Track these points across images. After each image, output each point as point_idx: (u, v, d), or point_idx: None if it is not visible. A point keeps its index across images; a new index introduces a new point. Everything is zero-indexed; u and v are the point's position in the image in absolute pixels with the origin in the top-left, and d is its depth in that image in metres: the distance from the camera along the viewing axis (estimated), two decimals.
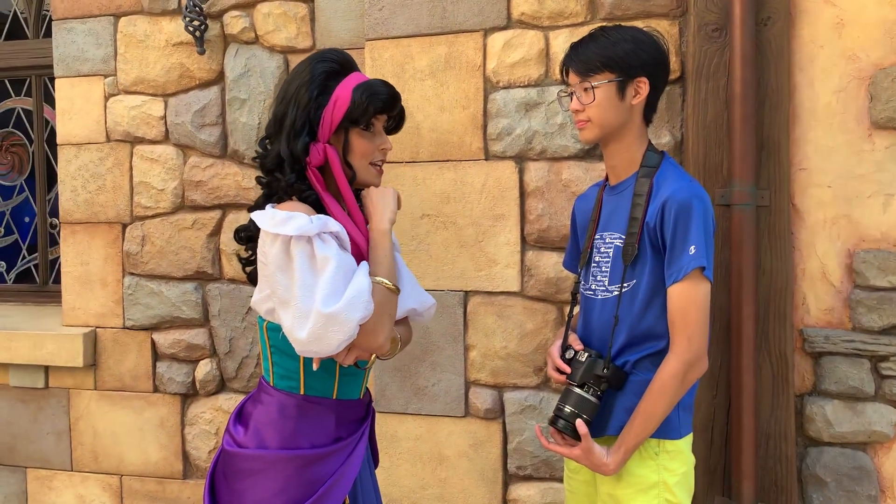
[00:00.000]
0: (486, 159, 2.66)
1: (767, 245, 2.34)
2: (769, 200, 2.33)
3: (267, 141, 1.64)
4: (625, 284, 1.74)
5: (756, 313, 2.32)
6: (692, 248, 1.63)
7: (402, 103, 1.70)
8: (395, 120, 1.69)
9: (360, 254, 1.57)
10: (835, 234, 2.34)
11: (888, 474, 2.31)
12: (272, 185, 1.60)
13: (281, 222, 1.46)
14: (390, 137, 1.70)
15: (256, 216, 1.52)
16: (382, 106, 1.60)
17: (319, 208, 1.56)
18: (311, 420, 1.58)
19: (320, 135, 1.58)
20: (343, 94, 1.57)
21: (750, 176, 2.30)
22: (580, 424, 1.69)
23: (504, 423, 2.67)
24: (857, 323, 2.31)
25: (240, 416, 1.67)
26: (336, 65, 1.60)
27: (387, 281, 1.52)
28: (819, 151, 2.34)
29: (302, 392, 1.59)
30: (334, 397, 1.61)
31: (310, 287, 1.42)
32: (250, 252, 1.65)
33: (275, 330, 1.58)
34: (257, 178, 1.65)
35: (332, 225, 1.50)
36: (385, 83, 1.62)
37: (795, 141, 2.35)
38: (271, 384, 1.62)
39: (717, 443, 2.40)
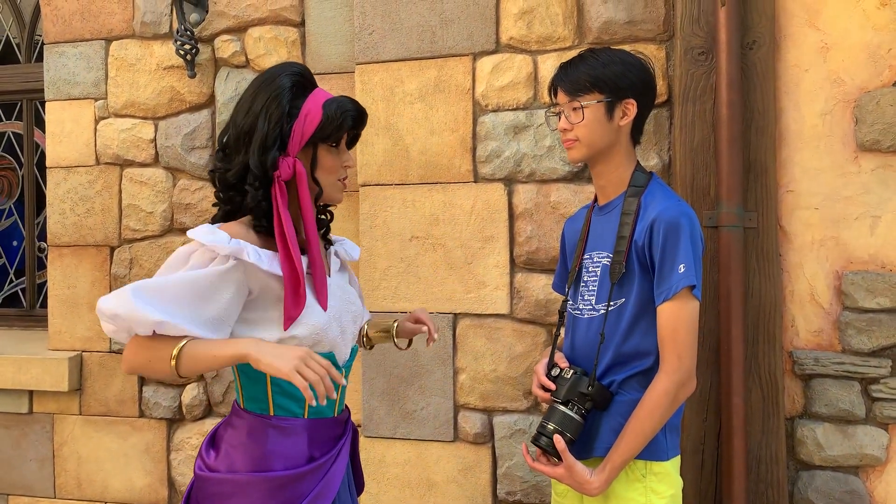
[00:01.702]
0: (475, 181, 2.66)
1: (755, 267, 2.34)
2: (757, 222, 2.33)
3: (222, 155, 1.59)
4: (612, 303, 1.73)
5: (745, 335, 2.31)
6: (681, 266, 1.63)
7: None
8: (355, 137, 1.70)
9: (294, 278, 1.50)
10: (823, 256, 2.34)
11: (881, 498, 2.29)
12: (234, 201, 1.57)
13: (205, 233, 1.47)
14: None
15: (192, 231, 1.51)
16: (353, 123, 1.59)
17: (270, 231, 1.53)
18: (282, 441, 1.55)
19: (290, 149, 1.55)
20: (314, 108, 1.55)
21: (737, 198, 2.31)
22: (557, 440, 1.67)
23: (493, 448, 2.65)
24: (847, 345, 2.30)
25: (212, 440, 1.64)
26: (302, 78, 1.58)
27: (173, 362, 1.41)
28: (806, 173, 2.35)
29: (271, 413, 1.56)
30: (305, 416, 1.58)
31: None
32: None
33: None
34: (216, 194, 1.61)
35: (250, 255, 1.46)
36: (352, 99, 1.61)
37: (782, 163, 2.37)
38: (242, 406, 1.59)
39: (708, 466, 2.37)
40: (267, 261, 1.49)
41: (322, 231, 1.73)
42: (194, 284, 1.43)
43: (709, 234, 2.34)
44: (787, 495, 2.32)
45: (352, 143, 1.71)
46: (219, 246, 1.45)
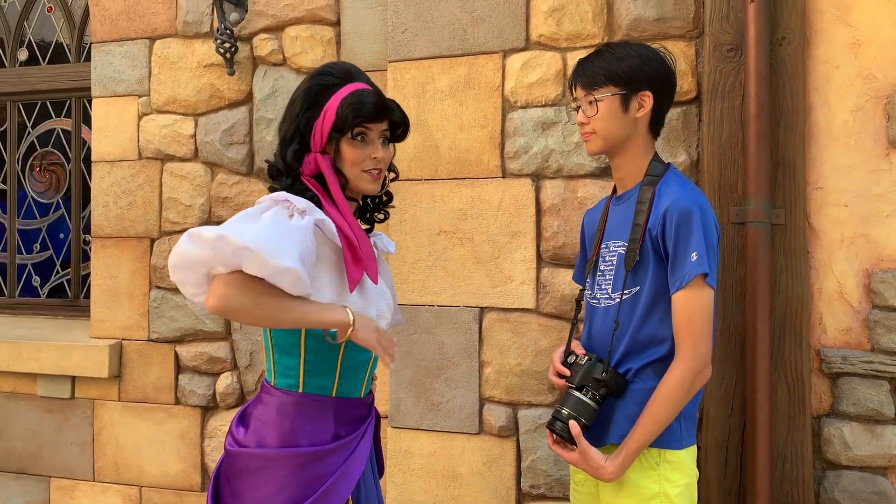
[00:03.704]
0: (503, 177, 2.69)
1: (783, 264, 2.32)
2: (785, 219, 2.32)
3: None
4: (626, 291, 1.74)
5: (771, 332, 2.29)
6: (694, 254, 1.64)
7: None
8: (399, 128, 1.71)
9: (352, 250, 1.59)
10: (852, 254, 2.31)
11: None
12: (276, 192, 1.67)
13: (281, 195, 1.57)
14: (400, 146, 1.75)
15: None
16: (365, 116, 1.62)
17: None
18: (309, 418, 1.60)
19: (312, 145, 1.65)
20: (332, 105, 1.63)
21: (764, 194, 2.30)
22: (573, 425, 1.68)
23: (518, 441, 2.67)
24: (876, 343, 2.27)
25: (242, 417, 1.70)
26: (333, 78, 1.66)
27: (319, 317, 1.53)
28: (836, 170, 2.33)
29: (301, 390, 1.61)
30: (333, 395, 1.63)
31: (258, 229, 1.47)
32: None
33: (276, 329, 1.62)
34: (269, 187, 1.72)
35: (320, 214, 1.57)
36: (375, 93, 1.65)
37: (811, 160, 2.35)
38: (272, 384, 1.65)
39: (732, 463, 2.36)
40: (332, 225, 1.58)
41: (366, 228, 1.81)
42: (306, 238, 1.51)
43: (735, 231, 2.34)
44: (812, 494, 2.29)
45: (401, 134, 1.73)
46: (297, 200, 1.55)
